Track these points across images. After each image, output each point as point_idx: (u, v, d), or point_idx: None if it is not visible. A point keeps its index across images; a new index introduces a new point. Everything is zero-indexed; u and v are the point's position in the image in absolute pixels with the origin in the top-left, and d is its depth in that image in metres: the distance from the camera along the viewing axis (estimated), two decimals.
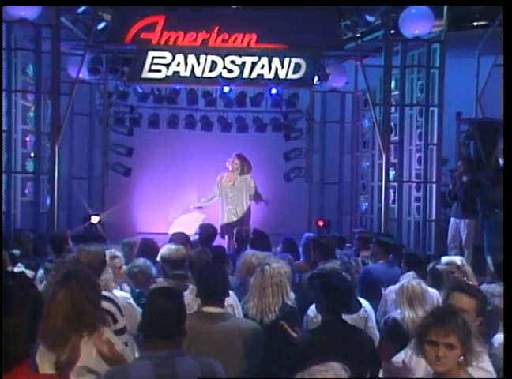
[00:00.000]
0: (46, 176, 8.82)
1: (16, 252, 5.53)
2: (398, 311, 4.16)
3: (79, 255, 3.64)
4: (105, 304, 3.29)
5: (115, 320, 3.42)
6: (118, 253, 4.49)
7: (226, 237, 8.61)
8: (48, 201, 8.71)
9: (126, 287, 4.55)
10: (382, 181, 9.23)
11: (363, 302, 4.22)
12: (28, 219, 8.56)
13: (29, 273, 4.27)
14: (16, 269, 4.42)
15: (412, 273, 4.65)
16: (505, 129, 4.16)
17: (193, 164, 10.95)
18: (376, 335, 4.09)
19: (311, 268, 5.20)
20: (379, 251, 5.55)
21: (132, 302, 3.98)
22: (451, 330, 2.48)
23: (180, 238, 5.53)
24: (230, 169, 8.89)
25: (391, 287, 4.51)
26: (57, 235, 5.87)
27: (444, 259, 4.66)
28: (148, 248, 5.48)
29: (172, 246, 4.53)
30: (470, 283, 4.05)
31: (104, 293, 3.44)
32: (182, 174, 11.06)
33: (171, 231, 9.97)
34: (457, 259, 4.66)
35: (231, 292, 3.88)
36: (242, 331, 3.25)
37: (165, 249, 4.51)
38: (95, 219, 10.01)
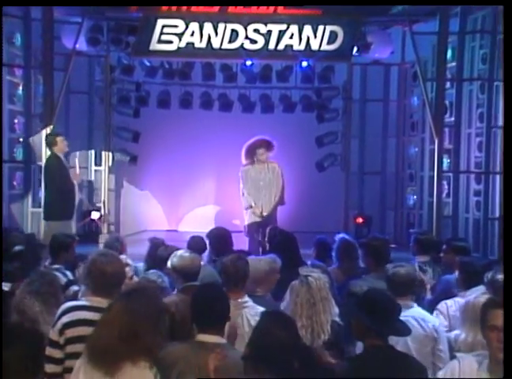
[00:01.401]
0: (38, 165, 8.82)
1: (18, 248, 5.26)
2: (457, 331, 4.08)
3: (100, 265, 3.44)
4: None
5: None
6: (129, 261, 4.54)
7: (249, 237, 8.31)
8: (41, 195, 8.65)
9: None
10: (433, 170, 9.11)
11: (435, 319, 4.12)
12: (16, 216, 8.69)
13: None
14: None
15: (481, 287, 4.42)
16: (505, 129, 4.31)
17: (209, 150, 10.90)
18: (446, 360, 3.90)
19: (348, 276, 5.13)
20: (455, 260, 5.20)
21: None
22: None
23: (197, 244, 5.42)
24: (256, 159, 8.41)
25: (447, 302, 4.43)
26: (60, 239, 5.50)
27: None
28: (157, 252, 5.26)
29: (186, 254, 4.33)
30: None
31: None
32: (197, 162, 11.01)
33: (182, 228, 10.65)
34: None
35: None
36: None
37: (177, 258, 4.31)
38: (95, 215, 9.97)
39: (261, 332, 2.73)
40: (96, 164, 10.43)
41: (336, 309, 3.84)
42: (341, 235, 5.87)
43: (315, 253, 5.98)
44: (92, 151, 10.45)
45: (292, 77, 10.38)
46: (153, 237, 5.74)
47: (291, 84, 10.48)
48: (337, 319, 3.81)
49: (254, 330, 2.86)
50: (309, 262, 5.31)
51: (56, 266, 4.94)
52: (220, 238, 5.65)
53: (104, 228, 10.15)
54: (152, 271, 4.67)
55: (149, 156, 10.80)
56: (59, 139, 7.64)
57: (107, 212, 10.14)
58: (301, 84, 10.49)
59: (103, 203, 10.26)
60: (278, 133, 10.30)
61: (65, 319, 3.27)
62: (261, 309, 3.80)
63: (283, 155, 10.07)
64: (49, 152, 7.68)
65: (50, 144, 7.64)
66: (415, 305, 4.07)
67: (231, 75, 10.27)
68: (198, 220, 10.70)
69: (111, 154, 10.37)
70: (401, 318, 3.34)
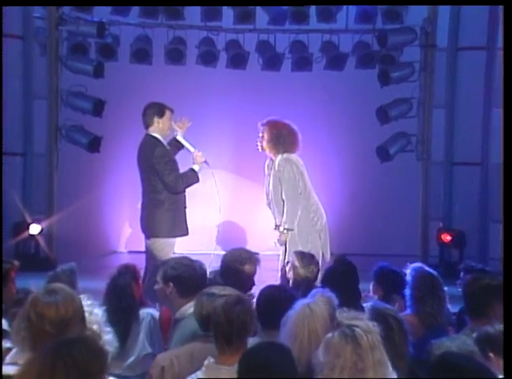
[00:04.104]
0: None
1: None
2: None
3: (41, 309, 3.57)
4: None
5: None
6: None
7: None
8: None
9: None
10: None
11: None
12: None
13: None
14: None
15: None
16: (505, 128, 5.31)
17: (211, 128, 10.88)
18: None
19: (429, 327, 5.33)
20: None
21: None
22: None
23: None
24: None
25: None
26: None
27: None
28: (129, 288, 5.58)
29: None
30: None
31: None
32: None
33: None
34: None
35: None
36: None
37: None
38: (35, 229, 10.14)
39: None
40: (35, 150, 10.51)
41: (394, 375, 3.98)
42: (417, 264, 5.93)
43: (375, 289, 6.10)
44: (31, 130, 10.48)
45: (342, 15, 10.42)
46: (124, 264, 5.80)
47: (340, 26, 10.52)
48: None
49: None
50: (366, 304, 5.34)
51: None
52: (235, 260, 5.90)
53: (50, 250, 10.19)
54: None
55: (119, 138, 10.61)
56: (169, 114, 7.27)
57: (52, 224, 10.18)
58: (355, 26, 10.58)
59: (48, 211, 10.32)
60: (318, 100, 11.07)
61: None
62: None
63: (326, 137, 10.92)
64: None
65: (152, 116, 7.23)
66: None
67: (245, 12, 10.35)
68: (195, 236, 10.17)
69: (58, 134, 10.27)
70: None
